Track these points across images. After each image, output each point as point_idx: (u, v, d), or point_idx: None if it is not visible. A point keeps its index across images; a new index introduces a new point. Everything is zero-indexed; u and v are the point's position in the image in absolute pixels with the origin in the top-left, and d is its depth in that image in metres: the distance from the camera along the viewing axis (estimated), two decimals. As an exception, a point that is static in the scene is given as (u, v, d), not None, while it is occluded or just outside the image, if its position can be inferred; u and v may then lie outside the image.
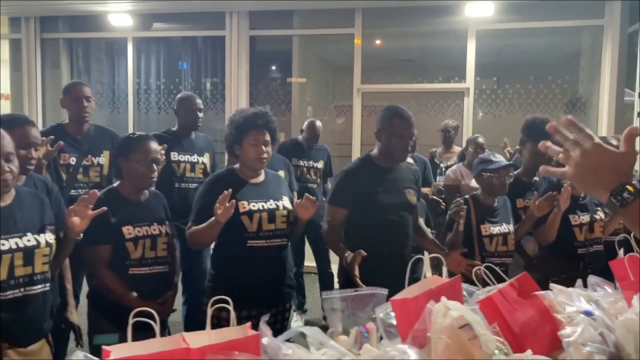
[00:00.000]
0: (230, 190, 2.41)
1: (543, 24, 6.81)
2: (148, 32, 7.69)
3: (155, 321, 1.26)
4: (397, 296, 1.46)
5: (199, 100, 3.99)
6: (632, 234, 2.03)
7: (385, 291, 1.47)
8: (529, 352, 1.30)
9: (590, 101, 7.08)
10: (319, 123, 5.11)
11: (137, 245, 2.43)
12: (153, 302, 2.36)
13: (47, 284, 2.06)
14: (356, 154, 6.97)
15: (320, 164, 5.05)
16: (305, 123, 5.13)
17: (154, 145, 2.56)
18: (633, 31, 6.63)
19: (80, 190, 3.26)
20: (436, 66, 7.68)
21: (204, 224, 2.49)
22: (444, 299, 1.36)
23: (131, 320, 1.25)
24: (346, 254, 2.54)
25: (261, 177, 2.73)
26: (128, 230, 2.43)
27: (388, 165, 2.82)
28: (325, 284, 4.80)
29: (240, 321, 1.39)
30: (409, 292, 1.52)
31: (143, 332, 1.28)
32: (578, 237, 3.13)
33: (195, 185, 3.71)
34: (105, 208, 2.24)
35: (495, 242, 2.97)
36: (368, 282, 1.99)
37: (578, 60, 7.43)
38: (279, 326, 2.65)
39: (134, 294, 2.40)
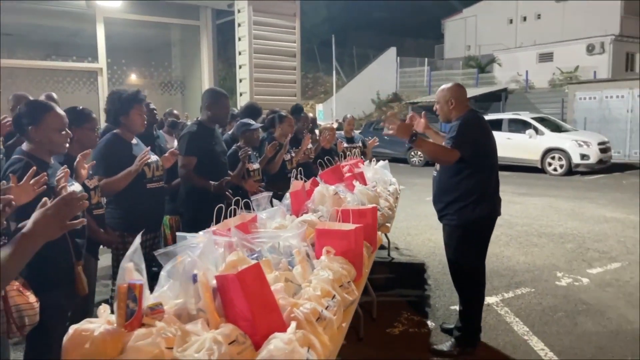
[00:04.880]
0: (149, 147, 3.28)
1: (155, 19, 8.50)
2: None
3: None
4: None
5: None
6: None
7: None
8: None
9: (190, 83, 9.29)
10: None
11: None
12: None
13: None
14: None
15: None
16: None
17: None
18: (220, 23, 9.15)
19: None
20: (69, 46, 8.22)
21: (121, 174, 3.25)
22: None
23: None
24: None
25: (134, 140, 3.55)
26: None
27: None
28: None
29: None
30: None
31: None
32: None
33: None
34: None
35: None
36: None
37: (169, 50, 9.50)
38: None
39: None
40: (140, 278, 1.83)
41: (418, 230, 7.32)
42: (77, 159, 2.80)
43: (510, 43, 27.51)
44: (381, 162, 5.81)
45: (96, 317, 1.77)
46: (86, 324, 1.70)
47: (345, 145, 6.60)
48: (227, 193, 3.85)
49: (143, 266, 1.84)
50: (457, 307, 4.44)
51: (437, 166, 3.63)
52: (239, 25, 8.04)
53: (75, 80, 7.95)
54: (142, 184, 3.44)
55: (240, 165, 4.43)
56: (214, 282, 1.89)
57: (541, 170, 13.77)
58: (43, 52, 8.32)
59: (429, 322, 4.14)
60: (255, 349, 1.71)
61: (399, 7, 33.47)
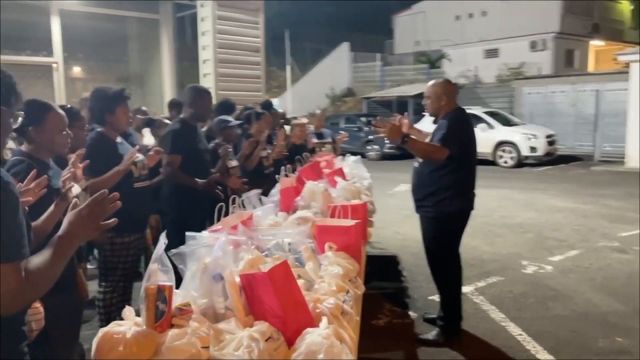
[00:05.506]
0: (137, 146, 3.20)
1: (113, 11, 8.25)
2: None
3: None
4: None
5: None
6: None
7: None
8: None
9: (148, 78, 9.09)
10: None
11: None
12: None
13: None
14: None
15: None
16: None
17: None
18: (180, 16, 8.99)
19: None
20: (21, 39, 7.85)
21: (109, 173, 3.16)
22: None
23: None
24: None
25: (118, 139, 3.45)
26: None
27: None
28: None
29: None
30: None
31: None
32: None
33: None
34: None
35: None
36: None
37: (127, 44, 9.25)
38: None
39: None
40: (167, 279, 1.84)
41: (385, 223, 7.47)
42: (72, 159, 2.73)
43: (457, 39, 28.26)
44: (353, 158, 5.90)
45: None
46: (115, 327, 1.69)
47: (316, 140, 6.65)
48: (217, 191, 3.83)
49: (170, 267, 1.84)
50: (435, 298, 4.61)
51: (419, 158, 3.74)
52: (202, 19, 7.94)
53: (30, 75, 7.62)
54: (130, 183, 3.37)
55: (220, 162, 4.40)
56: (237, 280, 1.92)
57: (492, 163, 14.29)
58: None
59: (410, 313, 4.28)
60: (287, 346, 1.74)
61: (349, 2, 33.75)
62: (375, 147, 16.96)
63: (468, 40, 27.96)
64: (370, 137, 16.59)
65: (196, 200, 3.88)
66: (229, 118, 4.64)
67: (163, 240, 1.94)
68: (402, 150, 16.20)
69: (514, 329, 3.90)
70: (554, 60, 23.88)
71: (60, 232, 1.52)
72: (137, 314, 1.77)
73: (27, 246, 1.43)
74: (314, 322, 1.82)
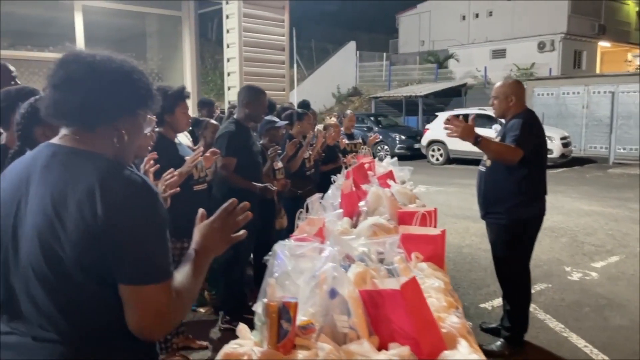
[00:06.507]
0: (201, 147, 3.18)
1: (135, 8, 8.08)
2: None
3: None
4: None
5: None
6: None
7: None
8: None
9: (170, 75, 8.92)
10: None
11: None
12: None
13: None
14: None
15: None
16: None
17: None
18: (202, 13, 8.84)
19: None
20: (45, 36, 7.68)
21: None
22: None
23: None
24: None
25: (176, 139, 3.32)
26: None
27: None
28: None
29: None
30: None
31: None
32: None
33: None
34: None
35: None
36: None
37: (148, 41, 9.09)
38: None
39: None
40: (289, 295, 1.70)
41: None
42: (145, 163, 2.59)
43: (463, 39, 28.15)
44: (389, 159, 5.76)
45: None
46: (236, 347, 1.57)
47: (347, 141, 6.52)
48: (273, 195, 3.70)
49: (292, 282, 1.71)
50: (486, 306, 4.48)
51: (487, 162, 3.59)
52: (227, 17, 7.78)
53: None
54: (189, 185, 3.23)
55: (268, 163, 4.27)
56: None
57: (506, 164, 14.13)
58: (10, 40, 7.74)
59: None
60: (423, 371, 1.61)
61: (352, 1, 33.57)
62: (385, 147, 16.83)
63: (473, 40, 27.86)
64: (380, 136, 16.47)
65: (253, 204, 3.74)
66: (275, 118, 4.49)
67: (276, 252, 1.82)
68: (413, 151, 15.98)
69: (578, 340, 3.77)
70: (561, 61, 23.79)
71: (194, 246, 1.40)
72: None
73: (172, 263, 1.29)
74: (444, 344, 1.69)
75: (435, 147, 15.81)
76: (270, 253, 2.13)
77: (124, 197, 1.20)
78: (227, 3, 7.75)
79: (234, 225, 1.44)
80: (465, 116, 3.58)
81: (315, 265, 1.91)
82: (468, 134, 3.27)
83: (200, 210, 1.48)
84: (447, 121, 3.36)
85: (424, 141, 16.19)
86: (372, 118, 18.95)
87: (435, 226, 3.15)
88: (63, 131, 1.33)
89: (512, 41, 25.21)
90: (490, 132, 14.41)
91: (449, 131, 3.31)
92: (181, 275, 1.32)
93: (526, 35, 24.56)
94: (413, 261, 2.47)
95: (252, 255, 4.48)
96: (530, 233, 3.59)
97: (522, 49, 24.35)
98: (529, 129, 3.34)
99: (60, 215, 1.18)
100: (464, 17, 29.73)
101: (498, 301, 4.50)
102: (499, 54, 25.73)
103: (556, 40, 23.98)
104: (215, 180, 3.84)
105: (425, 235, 2.62)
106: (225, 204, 1.45)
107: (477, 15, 29.25)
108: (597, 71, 25.03)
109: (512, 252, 3.55)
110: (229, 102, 7.35)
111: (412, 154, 16.32)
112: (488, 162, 3.59)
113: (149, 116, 1.47)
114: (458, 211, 8.52)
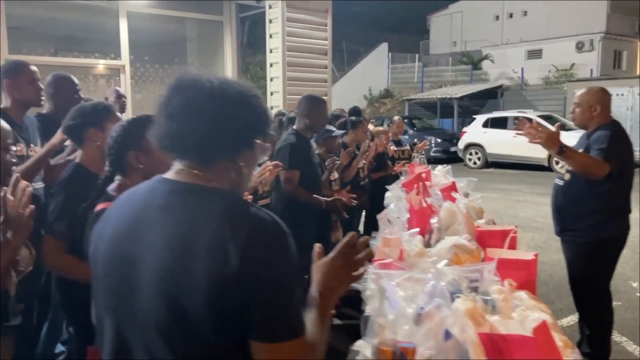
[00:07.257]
0: (267, 160, 3.09)
1: (179, 13, 8.05)
2: None
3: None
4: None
5: None
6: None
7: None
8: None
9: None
10: None
11: None
12: None
13: None
14: None
15: None
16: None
17: None
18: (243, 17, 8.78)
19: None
20: (90, 42, 7.71)
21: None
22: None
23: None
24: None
25: None
26: None
27: None
28: None
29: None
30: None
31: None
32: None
33: None
34: None
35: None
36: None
37: (189, 46, 9.06)
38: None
39: None
40: (401, 337, 1.54)
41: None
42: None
43: (496, 39, 27.63)
44: (441, 167, 5.55)
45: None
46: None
47: (395, 148, 6.34)
48: (341, 210, 3.55)
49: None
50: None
51: (565, 175, 3.36)
52: (270, 21, 7.67)
53: (98, 77, 7.46)
54: (254, 202, 3.09)
55: (326, 174, 4.12)
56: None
57: (548, 169, 13.75)
58: (54, 46, 7.80)
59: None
60: None
61: (383, 2, 33.30)
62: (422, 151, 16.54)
63: (507, 40, 27.30)
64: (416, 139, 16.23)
65: (310, 218, 3.60)
66: (332, 127, 4.34)
67: (388, 286, 1.66)
68: (449, 154, 15.68)
69: (663, 367, 3.52)
70: (601, 62, 23.12)
71: (317, 288, 1.23)
72: None
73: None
74: (578, 395, 1.51)
75: (473, 151, 15.49)
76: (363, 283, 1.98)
77: (262, 242, 1.05)
78: (270, 7, 7.65)
79: (357, 262, 1.29)
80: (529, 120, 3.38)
81: (418, 300, 1.76)
82: (553, 142, 3.04)
83: (317, 245, 1.32)
84: (522, 124, 3.12)
85: (461, 144, 15.87)
86: (406, 121, 18.68)
87: (516, 247, 2.95)
88: (178, 165, 1.19)
89: (548, 41, 24.61)
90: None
91: (529, 137, 3.08)
92: (309, 323, 1.15)
93: (562, 34, 23.95)
94: (507, 289, 2.28)
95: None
96: (613, 253, 3.35)
97: (559, 50, 23.75)
98: (617, 143, 3.11)
99: (187, 263, 1.04)
100: (497, 17, 29.19)
101: (567, 320, 4.26)
102: (535, 54, 25.16)
103: (595, 40, 23.32)
104: (273, 192, 3.70)
105: (519, 260, 2.42)
106: (346, 238, 1.29)
107: (511, 15, 28.67)
108: (638, 72, 24.24)
109: (593, 273, 3.33)
110: (271, 107, 7.23)
111: (448, 157, 16.02)
112: (567, 176, 3.36)
113: (264, 143, 1.32)
114: (507, 219, 8.22)
